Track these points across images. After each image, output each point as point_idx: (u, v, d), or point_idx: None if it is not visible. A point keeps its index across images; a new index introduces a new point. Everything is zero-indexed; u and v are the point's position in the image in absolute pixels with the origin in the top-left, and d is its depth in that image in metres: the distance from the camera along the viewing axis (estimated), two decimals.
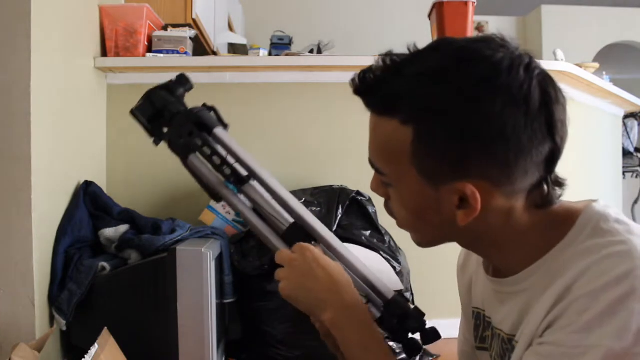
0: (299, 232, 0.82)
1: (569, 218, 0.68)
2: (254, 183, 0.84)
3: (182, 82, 0.88)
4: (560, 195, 0.70)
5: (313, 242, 0.82)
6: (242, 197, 0.84)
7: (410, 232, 0.75)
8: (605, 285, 0.60)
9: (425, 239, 0.74)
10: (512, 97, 0.61)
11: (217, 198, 0.86)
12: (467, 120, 0.61)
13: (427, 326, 0.81)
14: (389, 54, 0.66)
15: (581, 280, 0.62)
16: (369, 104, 0.69)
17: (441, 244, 0.74)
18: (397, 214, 0.73)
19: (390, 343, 0.91)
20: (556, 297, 0.63)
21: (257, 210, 0.84)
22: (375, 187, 0.74)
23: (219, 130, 0.84)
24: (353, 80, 0.68)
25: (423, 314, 0.81)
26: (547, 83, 0.63)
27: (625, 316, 0.58)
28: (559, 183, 0.69)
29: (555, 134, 0.64)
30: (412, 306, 0.82)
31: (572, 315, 0.61)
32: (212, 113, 0.86)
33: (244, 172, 0.83)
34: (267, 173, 0.84)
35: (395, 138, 0.65)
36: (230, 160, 0.83)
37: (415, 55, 0.66)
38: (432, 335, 0.80)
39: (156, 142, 0.87)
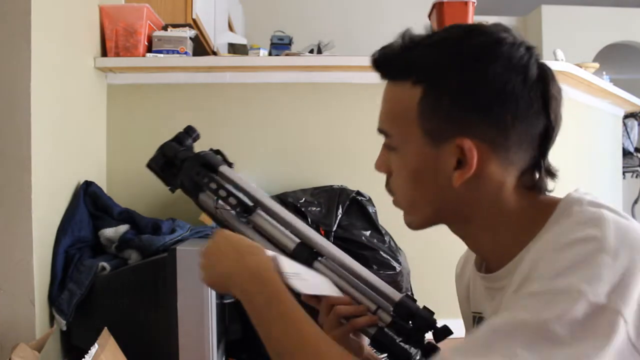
0: (305, 250, 0.86)
1: (550, 207, 0.69)
2: (260, 212, 0.90)
3: (190, 133, 0.97)
4: (552, 190, 0.72)
5: (320, 258, 0.86)
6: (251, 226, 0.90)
7: (404, 208, 0.76)
8: (575, 240, 0.60)
9: (418, 214, 0.75)
10: (512, 64, 0.66)
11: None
12: (470, 78, 0.67)
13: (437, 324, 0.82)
14: (406, 32, 0.72)
15: (550, 242, 0.63)
16: (386, 73, 0.74)
17: (432, 225, 0.75)
18: (395, 186, 0.75)
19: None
20: (529, 263, 0.64)
21: (266, 236, 0.89)
22: (379, 164, 0.77)
23: (223, 168, 0.91)
24: (373, 55, 0.73)
25: (432, 312, 0.83)
26: (544, 65, 0.69)
27: (597, 266, 0.58)
28: (551, 173, 0.72)
29: (550, 110, 0.68)
30: (420, 306, 0.83)
31: (541, 269, 0.61)
32: (218, 155, 0.94)
33: (250, 203, 0.89)
34: (271, 201, 0.91)
35: (405, 98, 0.70)
36: (237, 192, 0.89)
37: (431, 34, 0.72)
38: (444, 332, 0.81)
39: (172, 190, 0.94)
